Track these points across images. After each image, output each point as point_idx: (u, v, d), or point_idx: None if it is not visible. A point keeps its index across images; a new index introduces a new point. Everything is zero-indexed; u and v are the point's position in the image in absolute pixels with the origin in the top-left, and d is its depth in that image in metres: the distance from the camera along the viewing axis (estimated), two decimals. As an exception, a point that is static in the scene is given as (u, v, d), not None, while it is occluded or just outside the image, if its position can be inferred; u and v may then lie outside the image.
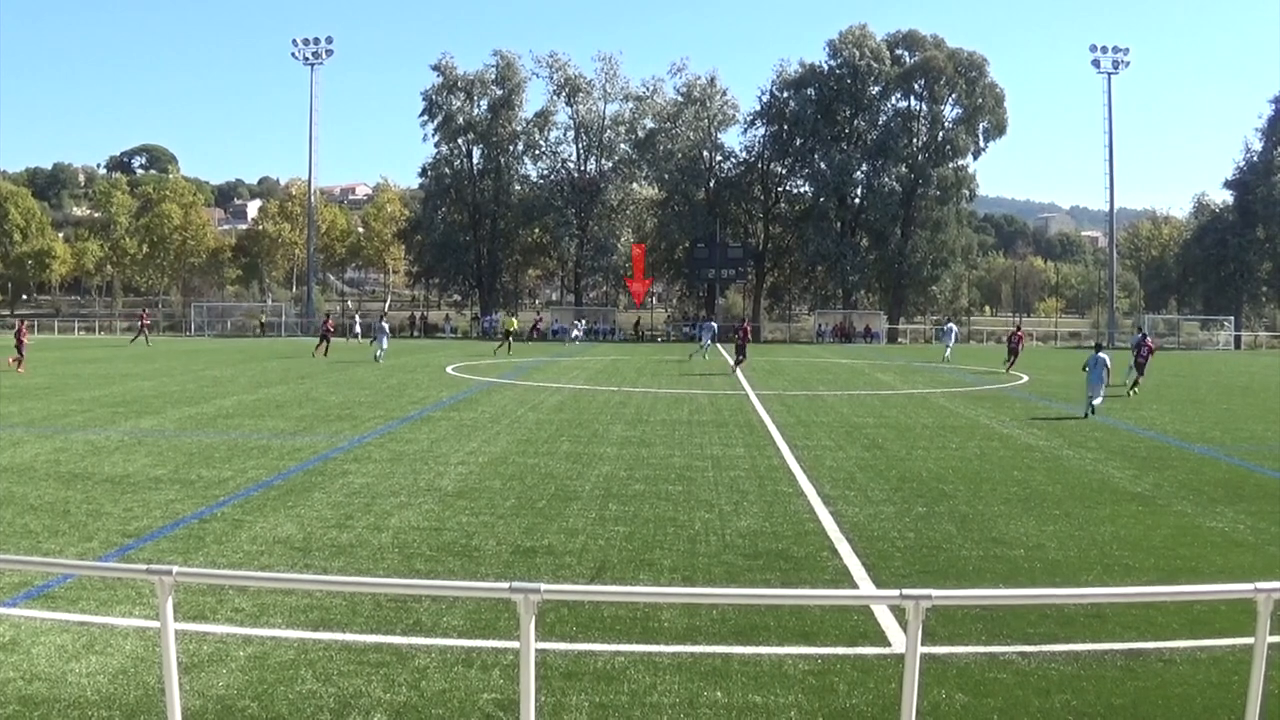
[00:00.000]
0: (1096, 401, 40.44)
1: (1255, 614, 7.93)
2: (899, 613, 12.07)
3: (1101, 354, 41.00)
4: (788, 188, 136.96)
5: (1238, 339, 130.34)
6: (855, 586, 15.45)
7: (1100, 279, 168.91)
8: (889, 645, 12.53)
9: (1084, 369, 42.11)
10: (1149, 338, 54.53)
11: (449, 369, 59.76)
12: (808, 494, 22.34)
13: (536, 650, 7.44)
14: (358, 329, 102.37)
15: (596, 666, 11.64)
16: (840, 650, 12.38)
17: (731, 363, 63.21)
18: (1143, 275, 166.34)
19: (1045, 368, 69.96)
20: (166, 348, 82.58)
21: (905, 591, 7.51)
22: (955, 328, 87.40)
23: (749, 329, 67.64)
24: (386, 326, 73.38)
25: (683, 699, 10.80)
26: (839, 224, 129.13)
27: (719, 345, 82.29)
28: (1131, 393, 48.85)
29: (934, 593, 7.55)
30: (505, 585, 7.35)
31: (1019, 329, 77.12)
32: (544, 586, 7.27)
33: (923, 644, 7.61)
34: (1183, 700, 11.24)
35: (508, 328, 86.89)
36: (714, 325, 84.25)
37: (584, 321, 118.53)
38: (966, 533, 19.03)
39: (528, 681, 7.35)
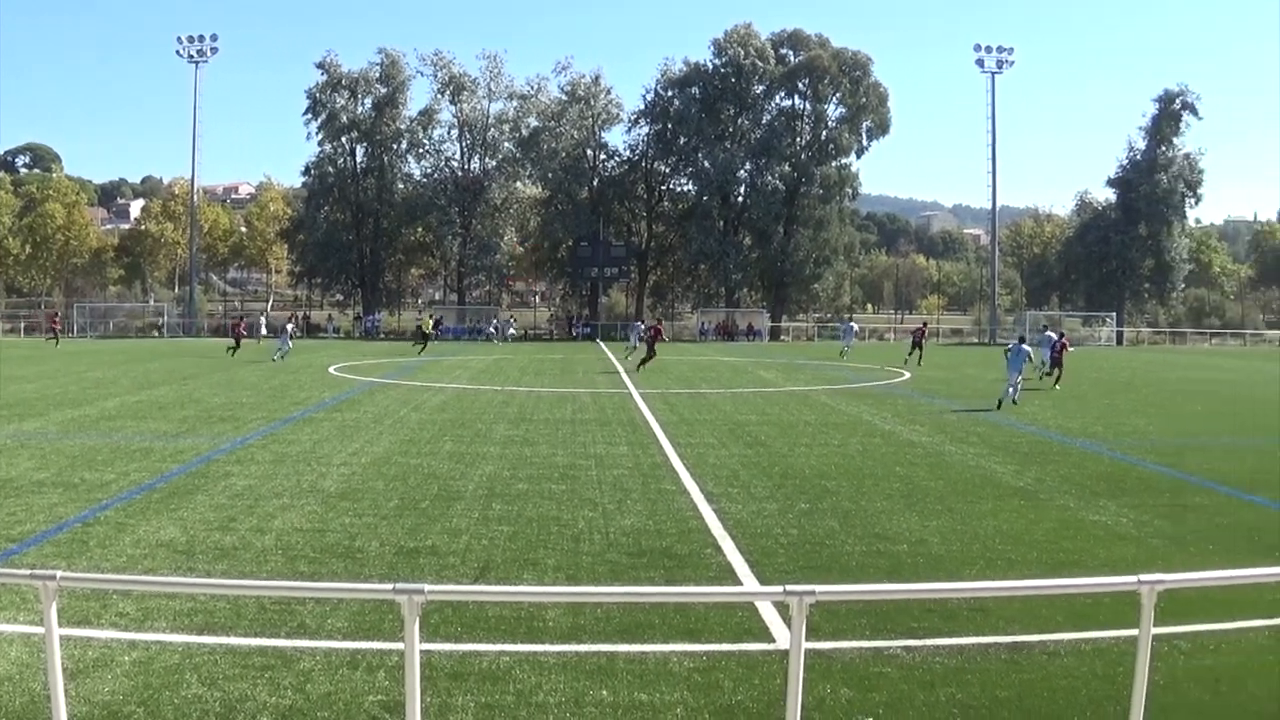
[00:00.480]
0: (1012, 390, 42.22)
1: (1139, 606, 8.10)
2: (783, 609, 12.19)
3: (1025, 345, 44.13)
4: (671, 186, 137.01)
5: (1120, 335, 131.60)
6: (739, 583, 15.57)
7: (982, 276, 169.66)
8: (773, 641, 12.66)
9: (1005, 355, 44.92)
10: (1065, 336, 58.45)
11: (331, 369, 59.42)
12: (691, 492, 22.48)
13: (421, 651, 7.49)
14: (263, 329, 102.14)
15: (482, 667, 11.68)
16: (725, 647, 12.50)
17: (637, 361, 63.63)
18: (1025, 272, 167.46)
19: (927, 364, 70.34)
20: (50, 349, 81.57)
21: (789, 587, 7.60)
22: (855, 325, 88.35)
23: (659, 329, 67.88)
24: (291, 328, 73.46)
25: (568, 698, 10.87)
26: (722, 222, 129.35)
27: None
28: (1056, 386, 51.36)
29: (817, 588, 7.66)
30: (389, 587, 7.40)
31: (925, 325, 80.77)
32: (428, 587, 7.33)
33: (807, 639, 7.70)
34: (1068, 692, 11.45)
35: (424, 328, 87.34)
36: (640, 325, 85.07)
37: (514, 319, 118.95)
38: (849, 528, 19.23)
39: (413, 683, 7.41)
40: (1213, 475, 26.24)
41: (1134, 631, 8.43)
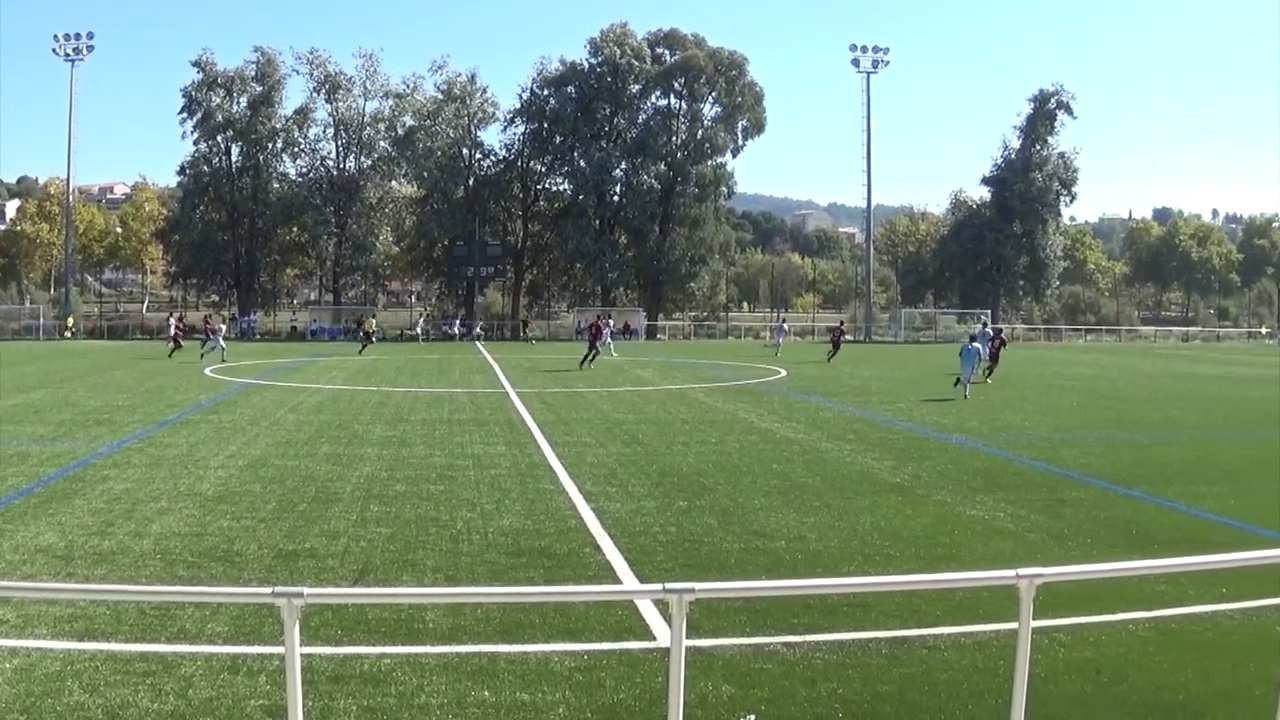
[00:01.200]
0: (969, 384, 45.63)
1: (1018, 599, 8.14)
2: (663, 607, 12.14)
3: (974, 343, 47.62)
4: (547, 185, 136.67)
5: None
6: (619, 582, 15.56)
7: (857, 275, 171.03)
8: (654, 639, 12.67)
9: (960, 355, 47.91)
10: (1002, 332, 62.60)
11: (208, 371, 58.71)
12: (569, 491, 22.44)
13: (302, 654, 7.42)
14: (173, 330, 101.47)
15: (363, 669, 11.59)
16: (606, 646, 12.48)
17: (581, 359, 64.73)
18: (900, 270, 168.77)
19: (803, 362, 70.80)
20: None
21: (668, 585, 7.59)
22: (786, 326, 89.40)
23: (600, 326, 68.40)
24: (223, 328, 73.29)
25: (450, 699, 10.80)
26: (598, 222, 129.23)
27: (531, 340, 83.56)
28: (988, 380, 52.58)
29: (697, 586, 7.66)
30: (268, 590, 7.31)
31: (841, 324, 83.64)
32: (307, 590, 7.25)
33: (687, 637, 7.67)
34: (949, 685, 11.52)
35: (368, 329, 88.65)
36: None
37: (474, 321, 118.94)
38: (728, 526, 19.29)
39: (294, 686, 7.34)
40: (1089, 470, 26.55)
41: (1013, 625, 8.46)
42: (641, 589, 14.45)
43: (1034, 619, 8.21)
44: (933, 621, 13.45)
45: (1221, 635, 13.45)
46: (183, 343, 73.51)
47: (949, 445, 30.91)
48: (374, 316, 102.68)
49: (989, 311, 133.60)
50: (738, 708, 10.73)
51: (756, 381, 54.53)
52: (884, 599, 14.11)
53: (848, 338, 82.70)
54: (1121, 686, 11.63)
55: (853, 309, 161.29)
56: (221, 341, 70.04)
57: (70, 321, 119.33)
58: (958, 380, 46.95)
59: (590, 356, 63.93)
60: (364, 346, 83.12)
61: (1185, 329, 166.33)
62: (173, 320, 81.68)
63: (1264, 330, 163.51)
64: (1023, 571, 8.16)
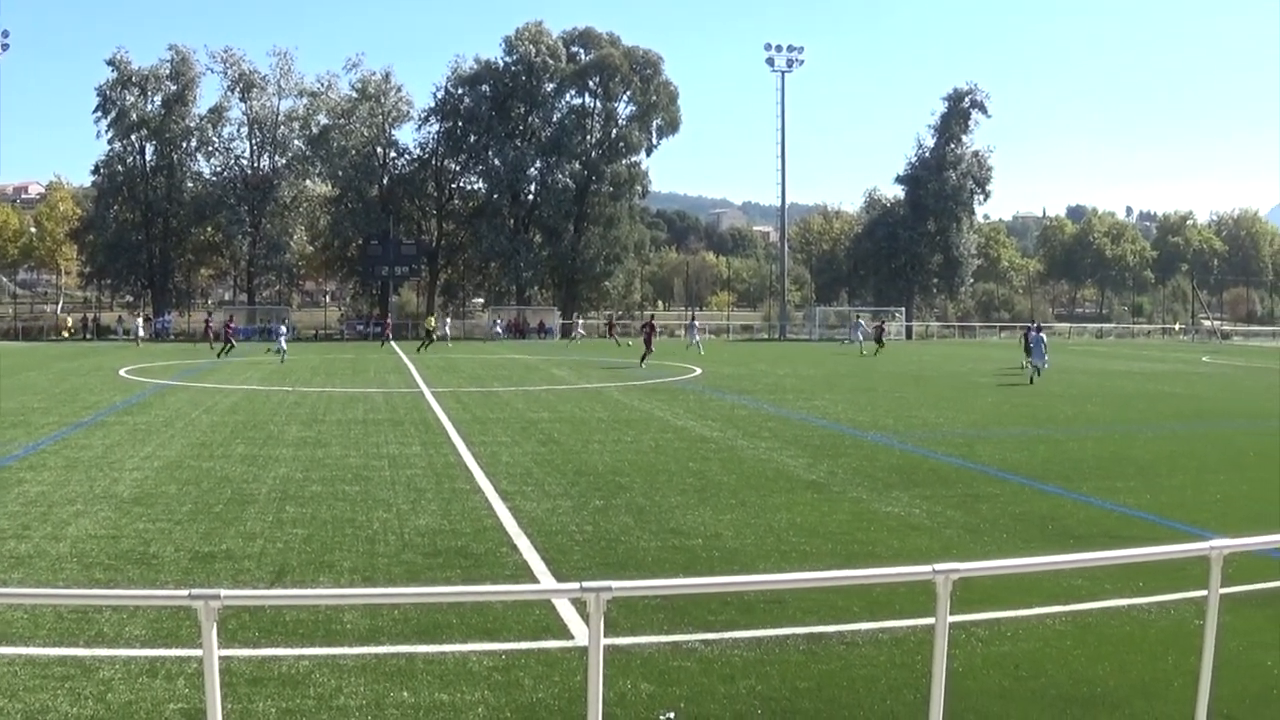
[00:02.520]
0: (1037, 369, 53.67)
1: (935, 595, 8.20)
2: (580, 605, 12.12)
3: (1040, 333, 54.12)
4: (462, 184, 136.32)
5: (909, 329, 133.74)
6: (536, 581, 15.54)
7: (772, 273, 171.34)
8: (572, 638, 12.65)
9: (1027, 349, 56.67)
10: (1040, 329, 62.33)
11: (122, 372, 58.28)
12: (485, 490, 22.41)
13: (220, 657, 7.39)
14: (140, 329, 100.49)
15: (281, 671, 11.53)
16: (524, 645, 12.46)
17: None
18: (814, 268, 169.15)
19: (718, 360, 70.87)
20: None
21: (585, 584, 7.56)
22: (699, 324, 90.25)
23: (653, 325, 70.28)
24: (284, 328, 75.61)
25: (369, 701, 10.76)
26: (512, 220, 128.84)
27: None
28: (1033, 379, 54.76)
29: (614, 584, 7.64)
30: (185, 593, 7.26)
31: (869, 319, 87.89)
32: (224, 592, 7.21)
33: (605, 635, 7.68)
34: (867, 681, 11.57)
35: (427, 327, 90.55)
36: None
37: (449, 319, 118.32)
38: (644, 524, 19.33)
39: (213, 689, 7.30)
40: (1004, 465, 26.78)
41: (930, 620, 8.52)
42: (559, 588, 14.44)
43: (951, 614, 8.24)
44: (850, 618, 13.51)
45: (1139, 629, 13.59)
46: (234, 341, 74.26)
47: (864, 442, 31.05)
48: (444, 316, 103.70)
49: (903, 309, 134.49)
50: (657, 705, 10.73)
51: (672, 380, 54.57)
52: (801, 595, 14.20)
53: (762, 336, 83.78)
54: (1040, 680, 11.72)
55: (767, 307, 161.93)
56: (283, 342, 71.52)
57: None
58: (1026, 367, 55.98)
59: (646, 354, 65.62)
60: (426, 344, 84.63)
61: (1099, 325, 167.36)
62: (222, 319, 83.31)
63: (1178, 327, 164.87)
64: (939, 567, 8.20)
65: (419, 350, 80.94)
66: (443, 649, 12.26)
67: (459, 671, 11.60)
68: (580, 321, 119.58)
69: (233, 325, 77.87)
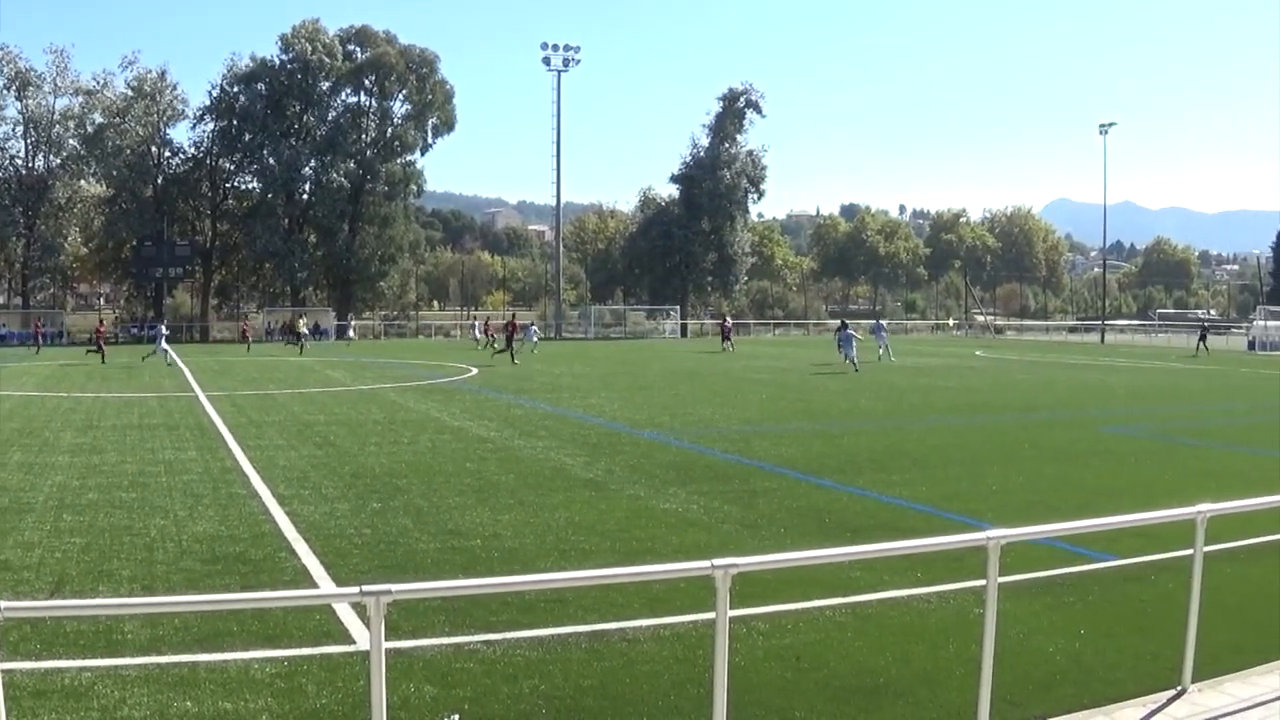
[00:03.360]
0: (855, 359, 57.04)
1: (714, 590, 8.34)
2: (361, 609, 12.07)
3: (849, 330, 58.11)
4: (236, 184, 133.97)
5: (684, 327, 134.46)
6: (315, 586, 15.45)
7: (547, 272, 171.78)
8: (354, 643, 12.56)
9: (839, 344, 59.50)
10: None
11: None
12: (262, 495, 22.22)
13: (3, 670, 7.33)
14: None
15: (64, 684, 11.32)
16: (306, 651, 12.38)
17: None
18: (589, 267, 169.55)
19: (494, 359, 70.75)
20: None
21: (365, 588, 7.60)
22: (534, 326, 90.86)
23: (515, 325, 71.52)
24: (165, 329, 73.87)
25: (153, 711, 10.62)
26: (287, 221, 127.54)
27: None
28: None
29: (394, 587, 7.70)
30: (-36, 606, 7.22)
31: (726, 318, 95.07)
32: (3, 604, 7.11)
33: (387, 639, 7.73)
34: (650, 677, 11.67)
35: (298, 330, 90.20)
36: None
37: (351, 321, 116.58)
38: (423, 525, 19.35)
39: (-5, 703, 7.24)
40: (780, 461, 27.15)
41: (711, 615, 8.64)
42: (338, 592, 14.36)
43: (731, 608, 8.43)
44: (631, 614, 13.64)
45: (919, 618, 13.89)
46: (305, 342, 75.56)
47: (641, 440, 31.30)
48: (303, 316, 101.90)
49: (677, 307, 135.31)
50: (441, 708, 10.75)
51: (447, 380, 54.49)
52: (581, 594, 14.31)
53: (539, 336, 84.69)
54: (822, 672, 11.94)
55: (543, 306, 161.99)
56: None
57: None
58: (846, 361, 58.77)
59: (510, 351, 67.81)
60: (301, 348, 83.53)
61: (873, 322, 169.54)
62: (302, 320, 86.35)
63: (951, 322, 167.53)
64: (717, 562, 8.36)
65: (300, 353, 79.90)
66: (225, 657, 12.13)
67: (242, 679, 11.50)
68: (354, 322, 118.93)
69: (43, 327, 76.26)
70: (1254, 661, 12.39)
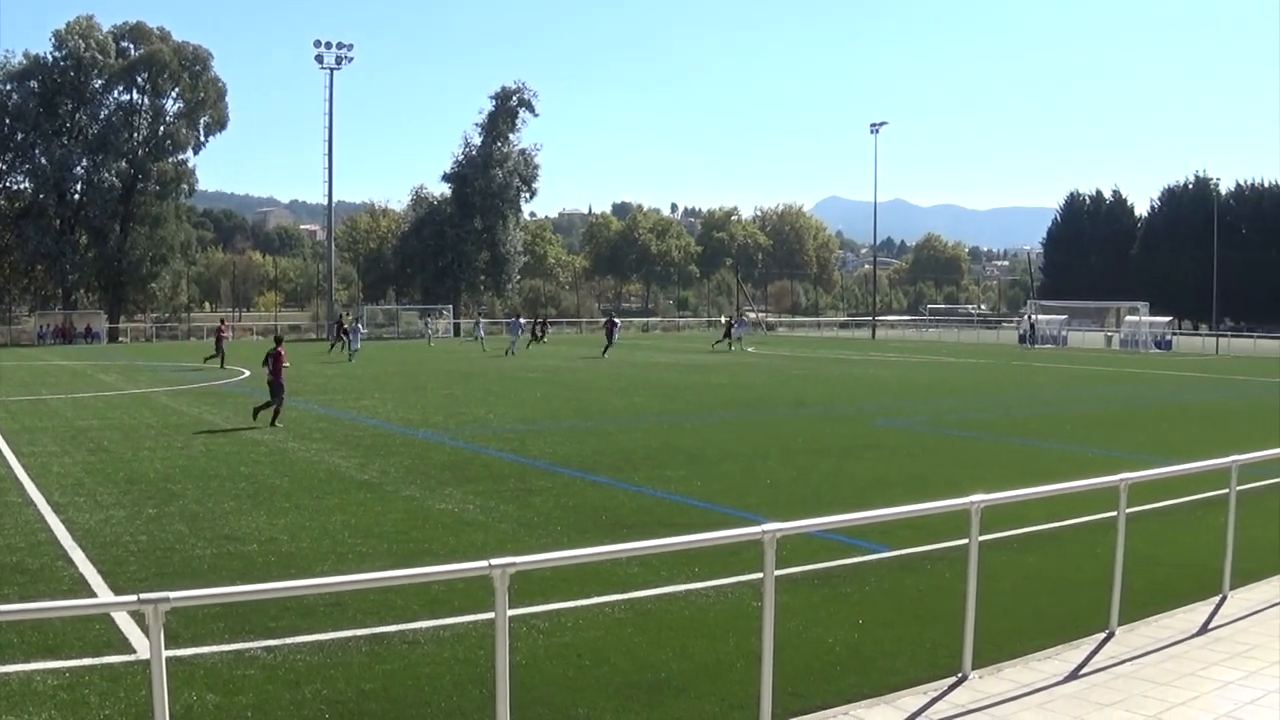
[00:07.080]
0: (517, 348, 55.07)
1: (493, 589, 8.47)
2: (139, 618, 12.04)
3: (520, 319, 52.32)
4: (8, 184, 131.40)
5: (457, 327, 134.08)
6: (94, 595, 15.22)
7: (319, 272, 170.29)
8: (134, 652, 12.46)
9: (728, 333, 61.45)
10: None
11: None
12: (37, 503, 21.90)
13: None
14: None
15: None
16: (87, 661, 12.26)
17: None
18: (361, 267, 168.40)
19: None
20: None
21: (143, 596, 7.57)
22: (485, 321, 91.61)
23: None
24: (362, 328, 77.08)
25: (-68, 727, 10.48)
26: (59, 221, 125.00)
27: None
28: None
29: (171, 595, 7.65)
30: None
31: (611, 316, 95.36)
32: None
33: (167, 647, 7.73)
34: (432, 679, 11.78)
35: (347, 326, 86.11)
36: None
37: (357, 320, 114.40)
38: (199, 531, 19.23)
39: None
40: (556, 459, 27.40)
41: (490, 615, 8.75)
42: (116, 601, 14.22)
43: (510, 608, 8.57)
44: (410, 616, 13.77)
45: (698, 613, 14.16)
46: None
47: (415, 440, 31.41)
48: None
49: (450, 306, 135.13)
50: (224, 716, 10.75)
51: (220, 383, 53.89)
52: (360, 597, 14.38)
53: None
54: (604, 668, 12.15)
55: (315, 307, 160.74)
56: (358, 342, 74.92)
57: None
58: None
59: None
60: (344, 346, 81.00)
61: (645, 319, 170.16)
62: (349, 318, 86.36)
63: (723, 319, 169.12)
64: (495, 561, 8.50)
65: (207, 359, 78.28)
66: (5, 669, 12.01)
67: (24, 692, 11.39)
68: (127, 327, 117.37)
69: None
70: (1032, 648, 12.85)
